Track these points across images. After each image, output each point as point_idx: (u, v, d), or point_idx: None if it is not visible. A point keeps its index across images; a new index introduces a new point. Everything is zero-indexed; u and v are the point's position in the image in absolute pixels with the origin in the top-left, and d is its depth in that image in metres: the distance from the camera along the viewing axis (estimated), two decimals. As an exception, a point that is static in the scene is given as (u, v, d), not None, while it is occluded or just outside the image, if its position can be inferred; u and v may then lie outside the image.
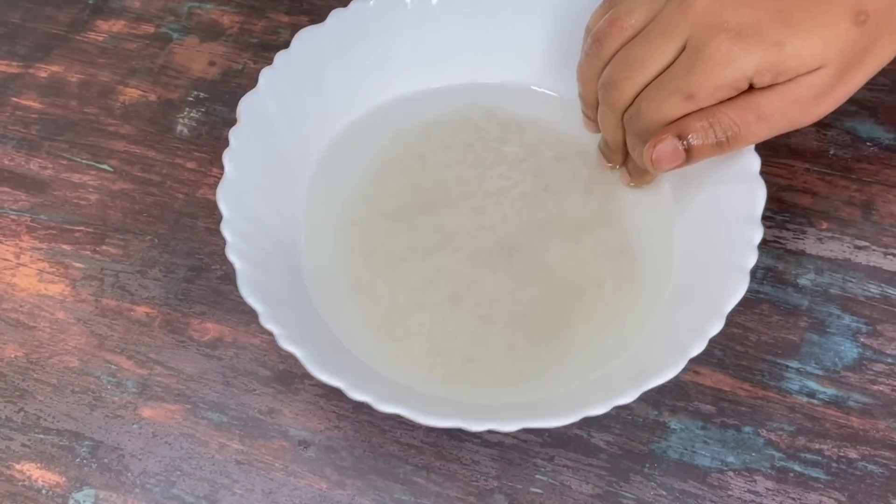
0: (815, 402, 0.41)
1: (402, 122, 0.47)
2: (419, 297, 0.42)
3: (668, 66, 0.37)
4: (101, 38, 0.55)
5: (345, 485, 0.40)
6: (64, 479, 0.40)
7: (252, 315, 0.44)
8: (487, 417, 0.34)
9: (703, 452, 0.40)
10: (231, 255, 0.37)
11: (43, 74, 0.53)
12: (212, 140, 0.50)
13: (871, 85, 0.49)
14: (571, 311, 0.41)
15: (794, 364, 0.42)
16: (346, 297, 0.42)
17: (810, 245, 0.45)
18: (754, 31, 0.35)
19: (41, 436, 0.41)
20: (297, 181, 0.44)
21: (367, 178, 0.46)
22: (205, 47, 0.54)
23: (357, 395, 0.34)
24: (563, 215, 0.44)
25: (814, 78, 0.36)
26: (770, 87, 0.36)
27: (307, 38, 0.45)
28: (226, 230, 0.38)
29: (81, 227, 0.47)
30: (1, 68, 0.54)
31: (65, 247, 0.47)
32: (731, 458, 0.40)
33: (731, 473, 0.39)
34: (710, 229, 0.41)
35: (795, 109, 0.36)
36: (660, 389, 0.41)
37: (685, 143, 0.37)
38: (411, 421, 0.34)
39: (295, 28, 0.54)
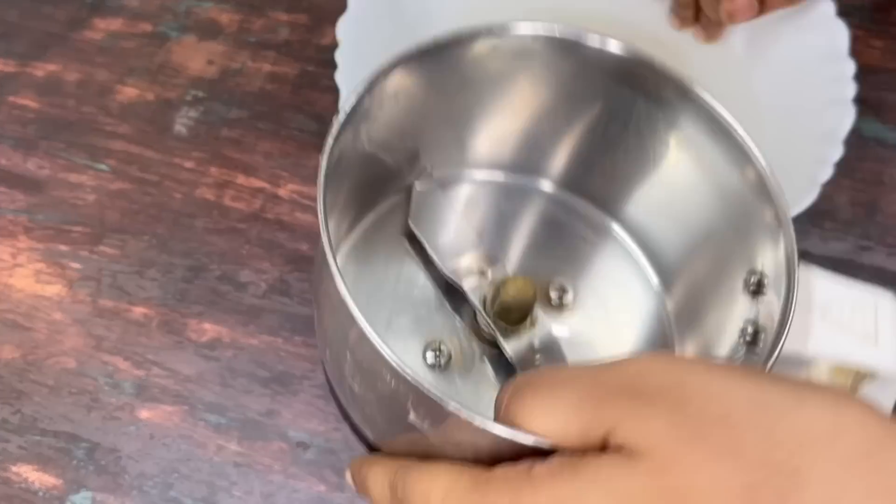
0: None
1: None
2: None
3: None
4: (98, 37, 0.54)
5: (343, 487, 0.39)
6: (61, 481, 0.40)
7: (251, 315, 0.44)
8: None
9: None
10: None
11: (40, 73, 0.53)
12: (210, 139, 0.50)
13: (875, 84, 0.49)
14: None
15: (798, 365, 0.41)
16: None
17: (814, 245, 0.45)
18: None
19: (38, 437, 0.41)
20: None
21: None
22: (203, 46, 0.54)
23: None
24: None
25: None
26: None
27: None
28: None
29: (79, 228, 0.47)
30: (-2, 67, 0.53)
31: (62, 247, 0.46)
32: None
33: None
34: (791, 74, 0.43)
35: None
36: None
37: None
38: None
39: (294, 26, 0.54)
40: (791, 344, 0.30)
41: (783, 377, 0.23)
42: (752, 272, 0.33)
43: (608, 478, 0.22)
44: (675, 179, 0.37)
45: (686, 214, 0.37)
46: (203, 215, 0.47)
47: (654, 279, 0.38)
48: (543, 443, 0.24)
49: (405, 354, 0.33)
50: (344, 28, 0.46)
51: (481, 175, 0.39)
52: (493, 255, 0.37)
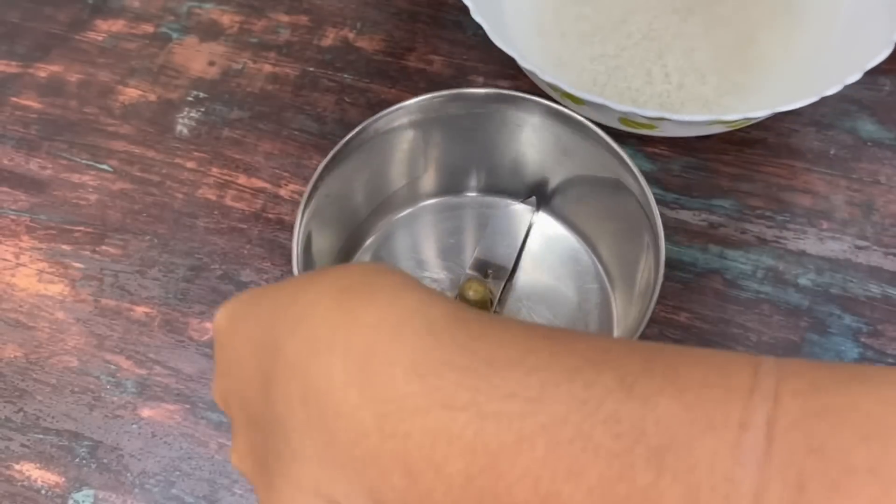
0: None
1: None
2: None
3: None
4: (100, 38, 0.55)
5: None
6: (63, 479, 0.40)
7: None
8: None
9: (704, 453, 0.40)
10: None
11: (42, 74, 0.53)
12: (211, 140, 0.50)
13: (871, 85, 0.49)
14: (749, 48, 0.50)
15: (795, 364, 0.42)
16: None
17: (811, 245, 0.45)
18: None
19: (40, 436, 0.41)
20: None
21: None
22: (204, 47, 0.54)
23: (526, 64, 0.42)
24: None
25: None
26: None
27: None
28: None
29: (81, 227, 0.47)
30: (0, 68, 0.54)
31: (64, 247, 0.47)
32: (731, 459, 0.39)
33: (731, 474, 0.39)
34: None
35: None
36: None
37: None
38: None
39: (294, 27, 0.54)
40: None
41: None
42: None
43: None
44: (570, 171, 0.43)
45: (585, 196, 0.43)
46: (204, 215, 0.47)
47: (581, 245, 0.44)
48: None
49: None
50: None
51: (425, 202, 0.46)
52: (451, 261, 0.44)
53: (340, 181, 0.40)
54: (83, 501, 0.40)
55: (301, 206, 0.37)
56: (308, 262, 0.38)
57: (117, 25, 0.55)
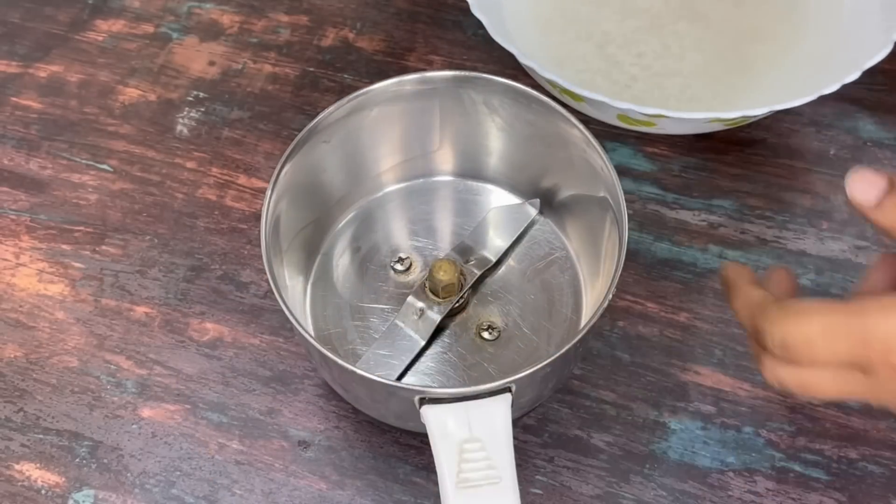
0: (815, 402, 0.41)
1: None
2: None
3: None
4: (100, 38, 0.55)
5: (345, 485, 0.40)
6: (63, 479, 0.40)
7: (252, 315, 0.44)
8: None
9: (704, 453, 0.40)
10: None
11: (42, 74, 0.53)
12: (211, 140, 0.50)
13: (871, 85, 0.49)
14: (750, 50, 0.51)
15: (795, 364, 0.42)
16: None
17: (811, 245, 0.45)
18: None
19: (41, 436, 0.41)
20: None
21: None
22: (204, 47, 0.54)
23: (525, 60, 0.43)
24: None
25: None
26: None
27: None
28: None
29: (81, 227, 0.47)
30: (0, 68, 0.54)
31: (64, 247, 0.47)
32: (731, 459, 0.40)
33: (731, 474, 0.39)
34: None
35: None
36: (660, 389, 0.41)
37: None
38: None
39: (294, 27, 0.54)
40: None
41: None
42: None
43: None
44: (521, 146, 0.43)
45: (546, 171, 0.43)
46: (204, 215, 0.47)
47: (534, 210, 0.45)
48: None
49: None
50: None
51: (398, 186, 0.46)
52: (424, 244, 0.44)
53: (310, 163, 0.40)
54: (83, 501, 0.40)
55: (270, 184, 0.37)
56: (275, 244, 0.38)
57: (117, 25, 0.55)
